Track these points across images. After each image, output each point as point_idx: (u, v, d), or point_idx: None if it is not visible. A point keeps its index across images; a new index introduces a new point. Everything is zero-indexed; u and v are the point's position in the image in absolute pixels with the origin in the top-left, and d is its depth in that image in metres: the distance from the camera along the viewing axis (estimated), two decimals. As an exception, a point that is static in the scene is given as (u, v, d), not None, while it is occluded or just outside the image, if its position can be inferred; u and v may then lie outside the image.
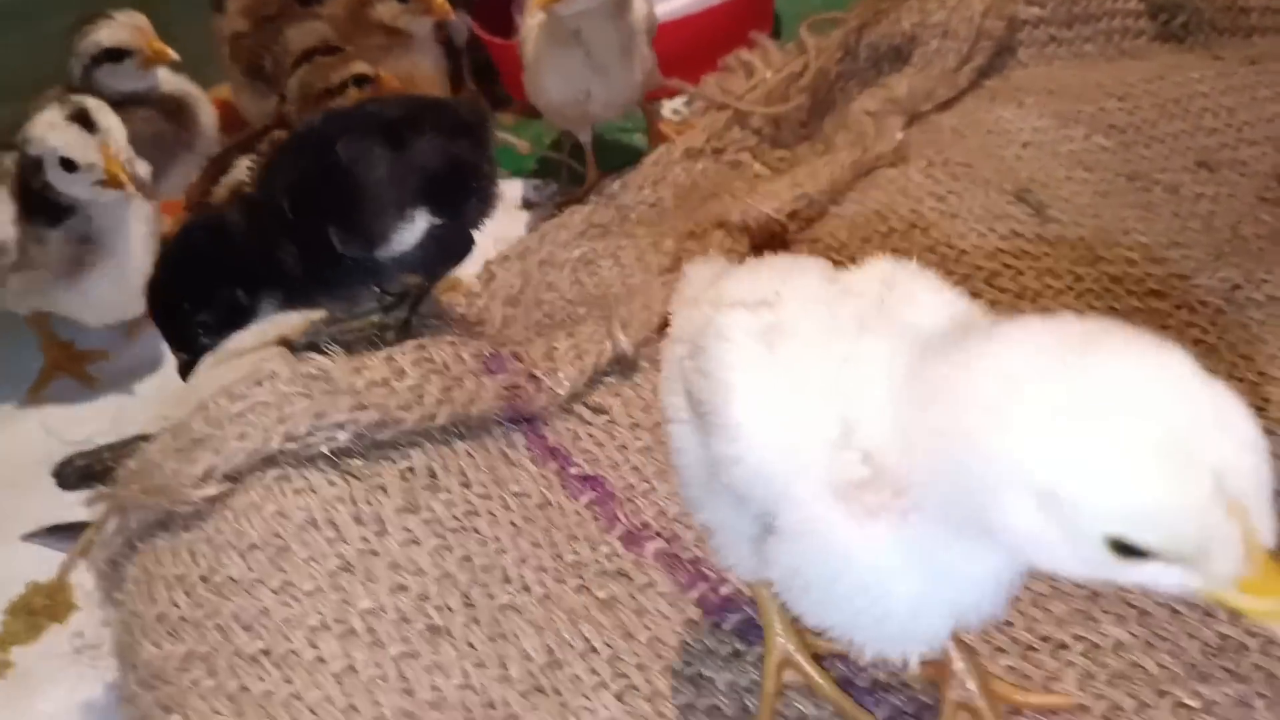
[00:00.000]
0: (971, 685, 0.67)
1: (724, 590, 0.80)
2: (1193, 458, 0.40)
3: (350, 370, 0.80)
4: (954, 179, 1.09)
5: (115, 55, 1.20)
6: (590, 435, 0.92)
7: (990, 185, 1.08)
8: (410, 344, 0.84)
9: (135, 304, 1.03)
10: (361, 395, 0.78)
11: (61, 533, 0.94)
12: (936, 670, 0.69)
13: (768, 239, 1.06)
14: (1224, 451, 0.40)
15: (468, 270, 1.14)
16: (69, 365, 1.20)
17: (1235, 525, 0.40)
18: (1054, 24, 1.32)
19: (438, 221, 0.90)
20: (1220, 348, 0.92)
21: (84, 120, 1.06)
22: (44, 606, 0.92)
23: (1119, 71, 1.26)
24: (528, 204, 1.36)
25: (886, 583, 0.51)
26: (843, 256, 1.03)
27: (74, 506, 0.89)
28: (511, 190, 1.37)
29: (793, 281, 0.59)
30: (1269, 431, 0.81)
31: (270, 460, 0.75)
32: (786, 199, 1.07)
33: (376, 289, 0.91)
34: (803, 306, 0.57)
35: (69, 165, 1.06)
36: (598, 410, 0.94)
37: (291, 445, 0.75)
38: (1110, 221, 1.05)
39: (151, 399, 1.16)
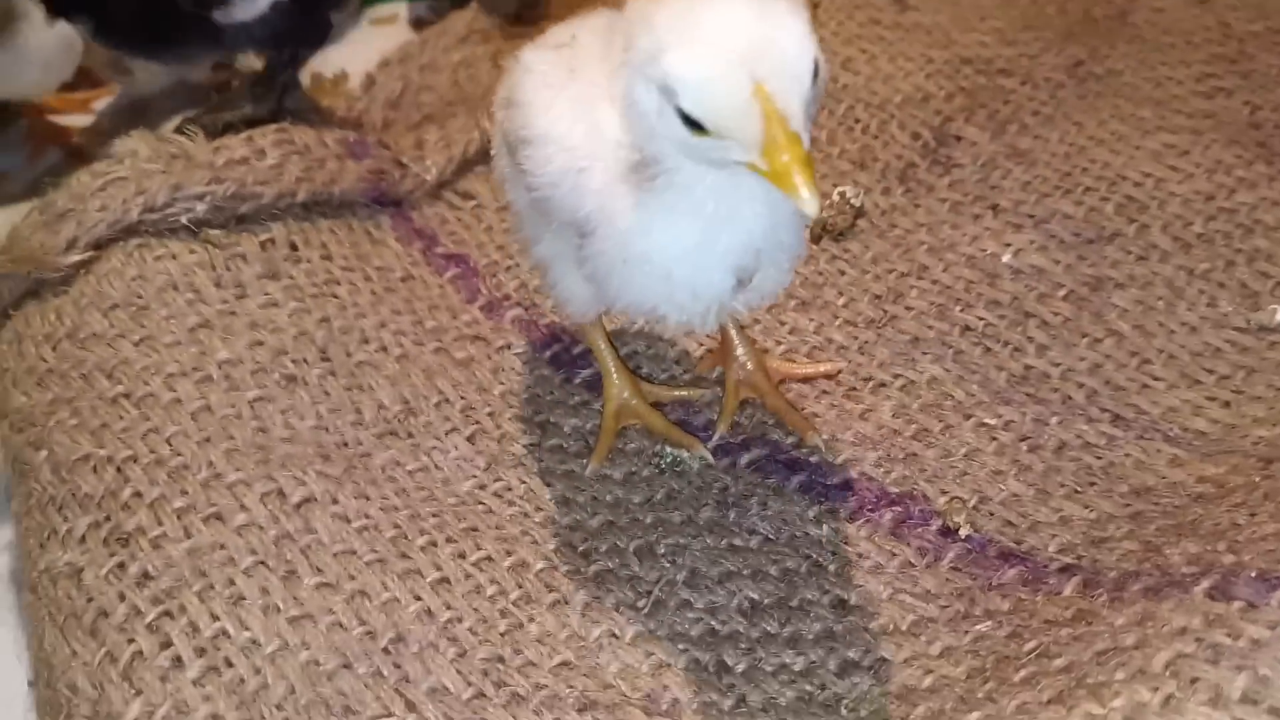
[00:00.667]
0: (750, 365, 0.77)
1: (576, 350, 0.86)
2: (738, 59, 0.50)
3: (210, 149, 0.84)
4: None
5: None
6: (458, 219, 0.96)
7: (855, -25, 1.11)
8: (272, 127, 0.88)
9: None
10: (219, 171, 0.82)
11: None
12: (719, 357, 0.79)
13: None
14: (764, 57, 0.50)
15: (352, 80, 1.17)
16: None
17: (757, 105, 0.50)
18: None
19: None
20: (1056, 117, 0.96)
21: None
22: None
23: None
24: (419, 22, 1.37)
25: (665, 244, 0.59)
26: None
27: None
28: (404, 9, 1.39)
29: (586, 25, 0.65)
30: (1084, 198, 0.86)
31: (131, 230, 0.79)
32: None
33: (221, 58, 0.91)
34: (593, 39, 0.63)
35: None
36: (466, 196, 0.98)
37: (151, 216, 0.79)
38: (969, 9, 1.08)
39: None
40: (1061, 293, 0.83)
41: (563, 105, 0.61)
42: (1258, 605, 0.54)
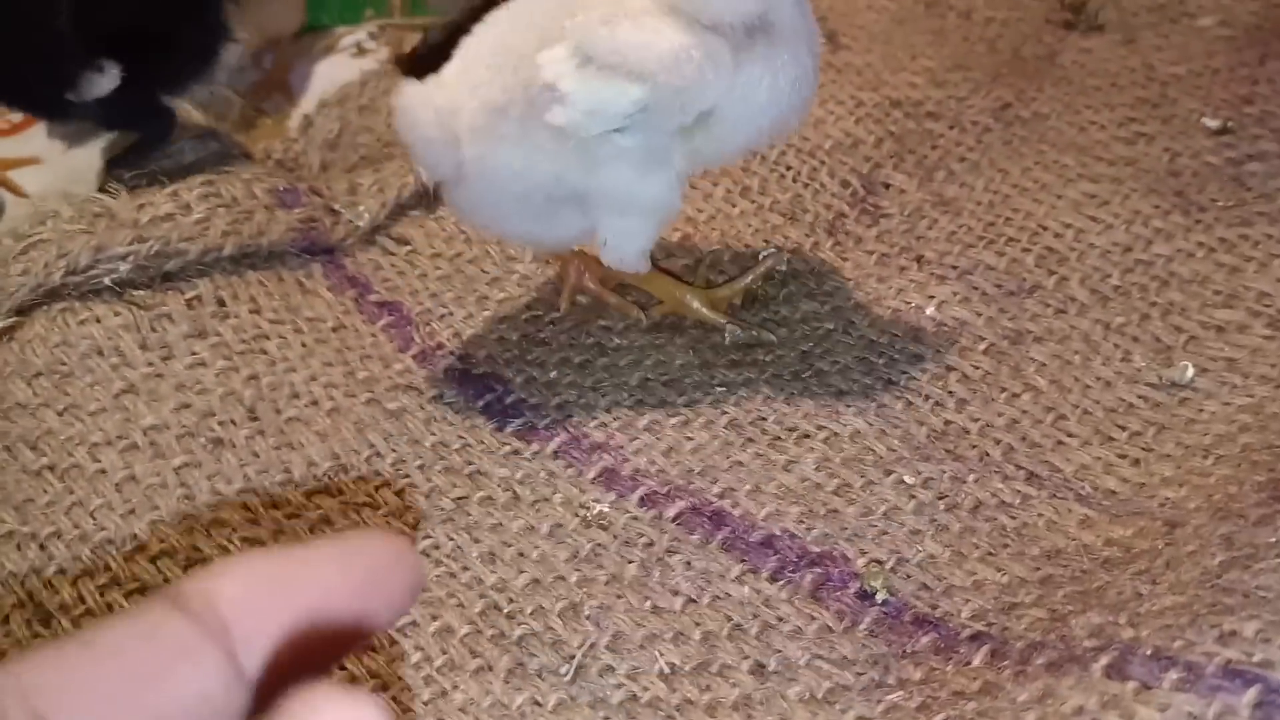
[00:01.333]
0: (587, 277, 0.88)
1: (509, 399, 0.87)
2: None
3: (134, 206, 0.84)
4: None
5: None
6: (392, 265, 0.96)
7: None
8: (198, 178, 0.88)
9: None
10: (143, 229, 0.82)
11: None
12: (564, 265, 0.91)
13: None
14: None
15: (292, 118, 1.17)
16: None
17: None
18: None
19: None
20: (982, 164, 0.97)
21: None
22: None
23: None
24: (361, 50, 1.36)
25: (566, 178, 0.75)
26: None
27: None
28: (346, 37, 1.38)
29: None
30: (1006, 249, 0.88)
31: (54, 294, 0.79)
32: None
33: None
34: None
35: None
36: (400, 241, 0.98)
37: (74, 278, 0.79)
38: (900, 47, 1.09)
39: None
40: (982, 346, 0.85)
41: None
42: (1151, 686, 0.56)
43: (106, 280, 0.80)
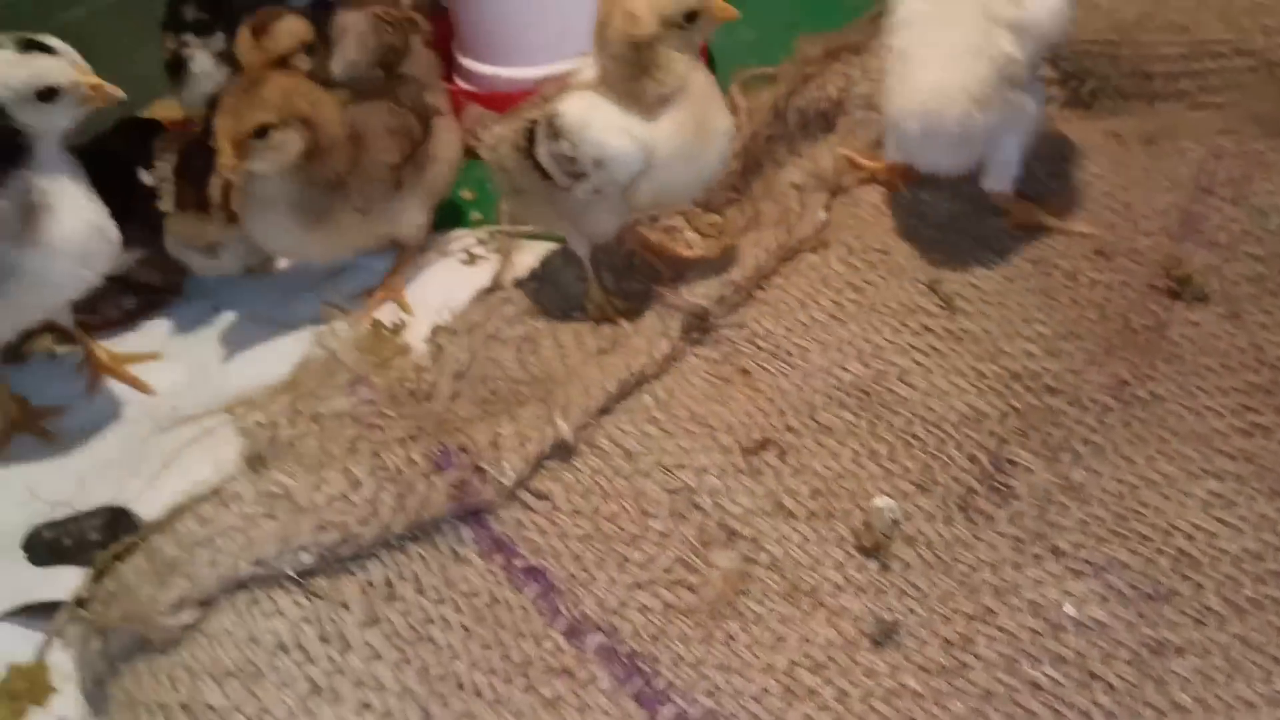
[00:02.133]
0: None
1: (658, 684, 0.89)
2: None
3: (310, 486, 0.87)
4: (872, 267, 1.17)
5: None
6: (534, 523, 0.99)
7: (905, 274, 1.16)
8: (366, 449, 0.91)
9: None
10: (322, 512, 0.85)
11: (36, 612, 1.00)
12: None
13: (696, 321, 1.13)
14: None
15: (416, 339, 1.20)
16: (26, 423, 1.23)
17: None
18: (970, 94, 1.40)
19: None
20: (1106, 449, 1.01)
21: (40, 46, 1.07)
22: (25, 690, 0.97)
23: (1028, 153, 1.34)
24: (471, 257, 1.41)
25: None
26: (768, 345, 1.11)
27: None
28: (456, 242, 1.43)
29: None
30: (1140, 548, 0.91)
31: (239, 584, 0.82)
32: (714, 287, 1.14)
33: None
34: None
35: (49, 94, 1.06)
36: (540, 496, 1.01)
37: (259, 570, 0.82)
38: (1014, 310, 1.14)
39: (115, 455, 1.21)
40: (1124, 654, 0.88)
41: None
42: None
43: (288, 569, 0.82)
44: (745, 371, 1.10)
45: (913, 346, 1.09)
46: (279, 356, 1.18)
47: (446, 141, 1.39)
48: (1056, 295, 1.17)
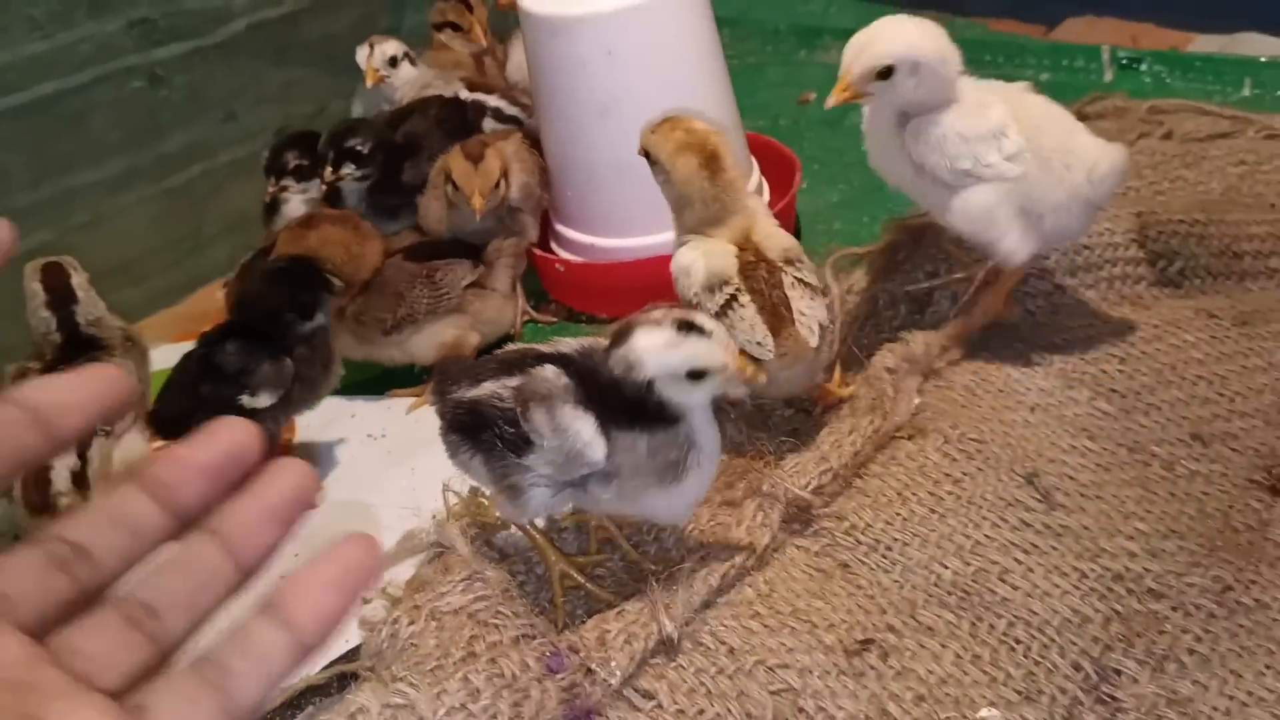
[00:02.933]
0: None
1: None
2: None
3: (432, 697, 0.89)
4: (969, 458, 1.18)
5: None
6: (640, 727, 1.01)
7: (1001, 466, 1.18)
8: (484, 654, 0.94)
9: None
10: (444, 726, 0.87)
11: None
12: None
13: (796, 511, 1.15)
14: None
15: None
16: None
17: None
18: (1058, 273, 1.43)
19: None
20: (1213, 660, 1.01)
21: (694, 328, 1.03)
22: None
23: (1118, 328, 1.36)
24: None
25: None
26: (868, 539, 1.13)
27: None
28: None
29: None
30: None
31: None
32: (813, 474, 1.16)
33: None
34: None
35: (698, 375, 1.02)
36: (646, 695, 1.02)
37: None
38: (1111, 504, 1.15)
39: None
40: None
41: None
42: None
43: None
44: (845, 565, 1.12)
45: (1012, 543, 1.11)
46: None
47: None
48: (1154, 488, 1.18)
